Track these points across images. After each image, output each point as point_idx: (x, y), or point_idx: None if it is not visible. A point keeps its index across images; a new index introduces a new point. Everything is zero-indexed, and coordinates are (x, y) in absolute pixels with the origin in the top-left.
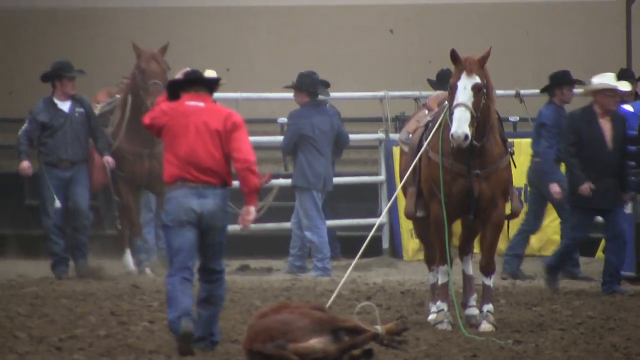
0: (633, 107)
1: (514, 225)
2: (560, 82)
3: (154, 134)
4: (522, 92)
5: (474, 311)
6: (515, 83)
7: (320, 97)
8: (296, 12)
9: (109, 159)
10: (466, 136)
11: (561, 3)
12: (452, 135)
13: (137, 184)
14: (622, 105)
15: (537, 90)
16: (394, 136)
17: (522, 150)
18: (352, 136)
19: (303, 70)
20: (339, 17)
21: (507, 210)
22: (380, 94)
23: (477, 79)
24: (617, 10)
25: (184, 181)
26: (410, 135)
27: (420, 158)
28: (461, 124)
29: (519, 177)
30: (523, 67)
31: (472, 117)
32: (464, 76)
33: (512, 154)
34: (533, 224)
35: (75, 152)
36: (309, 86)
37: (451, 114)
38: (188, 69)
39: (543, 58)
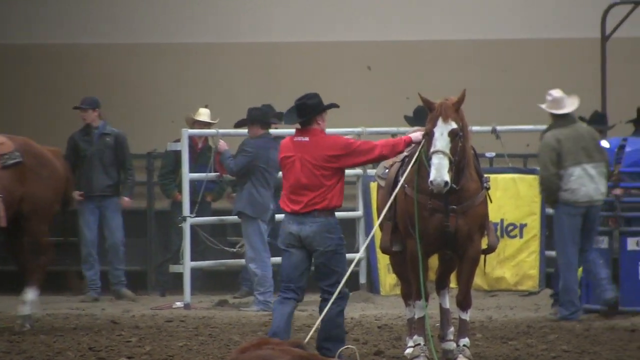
0: (609, 143)
1: (490, 259)
2: None
3: None
4: (498, 128)
5: (451, 345)
6: (492, 120)
7: (273, 129)
8: (274, 48)
9: None
10: (446, 183)
11: (538, 40)
12: (431, 182)
13: None
14: (599, 142)
15: (514, 127)
16: (371, 172)
17: (499, 186)
18: None
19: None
20: (317, 53)
21: (484, 245)
22: (358, 129)
23: (454, 125)
24: (593, 48)
25: (290, 209)
26: (387, 171)
27: (396, 193)
28: (440, 171)
29: (496, 212)
30: (500, 104)
31: (450, 162)
32: (440, 122)
33: (488, 189)
34: None
35: None
36: (261, 117)
37: (429, 159)
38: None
39: (520, 95)
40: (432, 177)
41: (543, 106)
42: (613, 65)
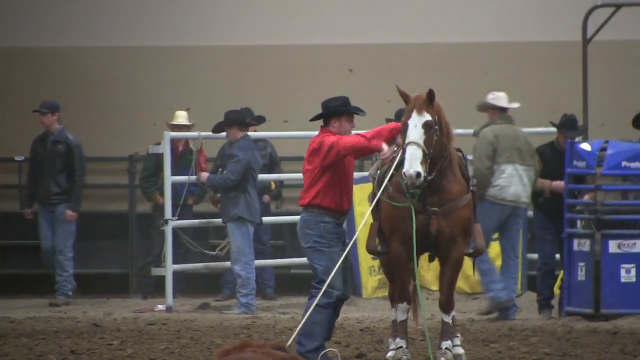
0: (591, 145)
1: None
2: None
3: None
4: None
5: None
6: (474, 122)
7: (251, 131)
8: (256, 51)
9: None
10: (418, 174)
11: (519, 43)
12: (404, 173)
13: None
14: (580, 145)
15: None
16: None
17: None
18: None
19: (261, 110)
20: (298, 56)
21: (471, 248)
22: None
23: (428, 117)
24: (574, 51)
25: None
26: (379, 172)
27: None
28: (413, 163)
29: None
30: None
31: (425, 154)
32: (414, 114)
33: (474, 192)
34: None
35: None
36: (238, 118)
37: (403, 152)
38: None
39: None
40: (405, 168)
41: (486, 100)
42: (594, 68)
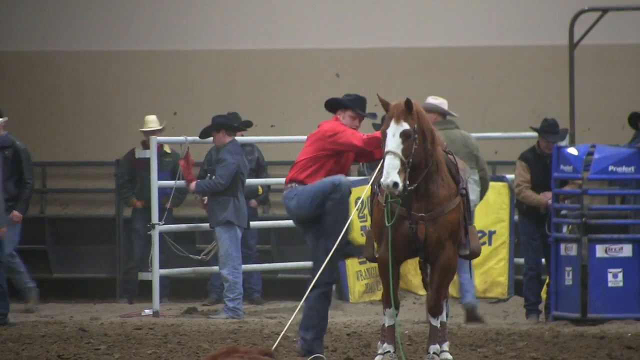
0: (577, 150)
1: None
2: None
3: None
4: None
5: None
6: (461, 126)
7: (238, 136)
8: (243, 56)
9: None
10: (395, 184)
11: (506, 47)
12: (381, 183)
13: None
14: (566, 149)
15: (482, 134)
16: None
17: None
18: None
19: (249, 114)
20: (285, 61)
21: (466, 251)
22: None
23: (406, 126)
24: (561, 55)
25: None
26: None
27: (373, 201)
28: (390, 173)
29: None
30: (468, 111)
31: (403, 164)
32: (392, 123)
33: (463, 195)
34: None
35: None
36: (226, 123)
37: (382, 161)
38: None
39: (488, 102)
40: (382, 179)
41: (427, 101)
42: (581, 73)
